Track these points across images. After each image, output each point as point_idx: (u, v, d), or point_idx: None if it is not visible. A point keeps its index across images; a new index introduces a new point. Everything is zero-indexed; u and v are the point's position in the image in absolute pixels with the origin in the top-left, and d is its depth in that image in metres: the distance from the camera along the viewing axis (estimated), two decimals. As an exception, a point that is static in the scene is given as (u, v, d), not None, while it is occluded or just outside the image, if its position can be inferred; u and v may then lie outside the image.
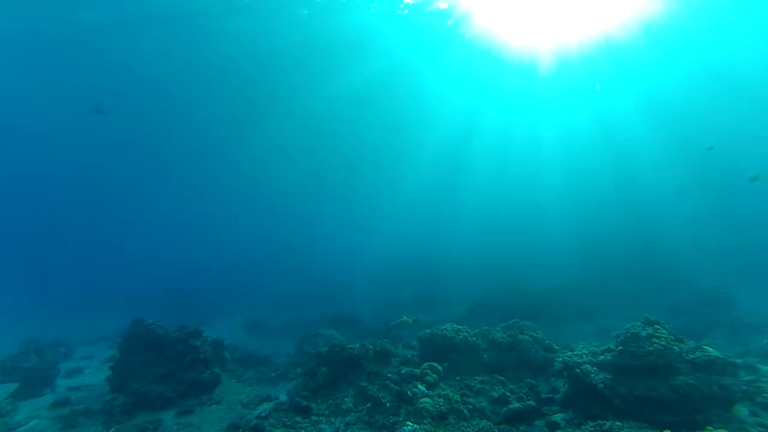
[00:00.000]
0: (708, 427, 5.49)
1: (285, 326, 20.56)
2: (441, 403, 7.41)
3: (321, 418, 8.32)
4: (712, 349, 6.94)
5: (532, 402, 7.79)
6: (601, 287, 20.27)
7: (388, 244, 56.50)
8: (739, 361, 7.35)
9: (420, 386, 7.77)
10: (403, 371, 8.63)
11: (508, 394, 8.07)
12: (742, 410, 6.24)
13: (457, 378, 8.76)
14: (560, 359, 8.63)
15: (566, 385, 8.08)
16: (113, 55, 23.32)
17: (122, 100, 28.11)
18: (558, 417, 7.54)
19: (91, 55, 23.15)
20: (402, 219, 63.84)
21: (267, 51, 23.55)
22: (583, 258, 26.30)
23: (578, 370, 7.68)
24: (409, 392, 7.67)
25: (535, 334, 10.08)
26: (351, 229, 69.73)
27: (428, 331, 9.53)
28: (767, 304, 14.74)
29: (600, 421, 6.67)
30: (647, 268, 22.62)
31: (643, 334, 7.39)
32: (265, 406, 9.95)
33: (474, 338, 9.61)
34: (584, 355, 8.21)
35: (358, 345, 9.87)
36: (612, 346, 8.01)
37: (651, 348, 7.11)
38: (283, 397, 10.29)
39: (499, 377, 8.70)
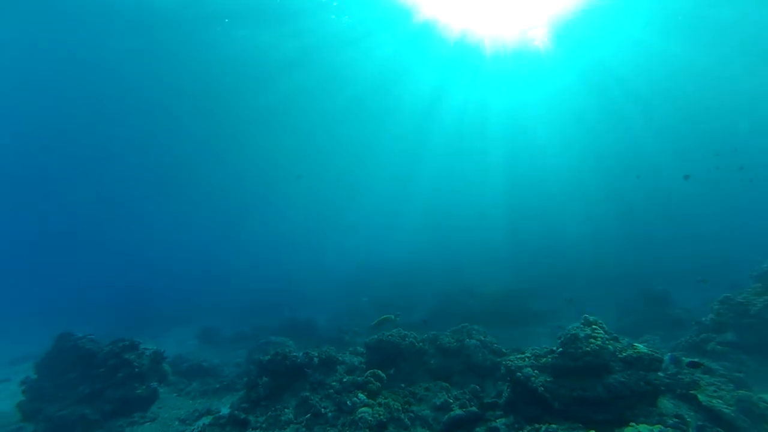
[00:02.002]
0: (631, 423, 5.56)
1: (240, 335, 19.76)
2: (381, 413, 7.16)
3: (258, 431, 7.88)
4: (641, 346, 7.11)
5: (474, 408, 7.69)
6: (556, 290, 20.83)
7: (346, 251, 56.12)
8: (667, 355, 7.58)
9: (361, 395, 7.50)
10: (345, 380, 8.32)
11: (451, 400, 7.95)
12: (665, 403, 6.40)
13: (402, 385, 8.54)
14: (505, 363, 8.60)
15: (508, 389, 8.05)
16: (108, 56, 22.74)
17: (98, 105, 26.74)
18: (500, 422, 7.46)
19: (87, 55, 22.51)
20: (361, 224, 63.62)
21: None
22: (540, 261, 26.96)
23: (519, 374, 7.66)
24: (348, 402, 7.37)
25: (483, 338, 10.02)
26: (310, 235, 68.88)
27: (375, 336, 9.26)
28: (700, 301, 15.68)
29: (536, 425, 6.64)
30: (600, 271, 23.47)
31: (582, 335, 7.48)
32: (205, 421, 9.35)
33: (421, 344, 9.43)
34: (527, 359, 8.21)
35: (302, 353, 9.47)
36: (554, 348, 8.08)
37: (588, 348, 7.19)
38: (225, 411, 9.71)
39: (443, 383, 8.56)
